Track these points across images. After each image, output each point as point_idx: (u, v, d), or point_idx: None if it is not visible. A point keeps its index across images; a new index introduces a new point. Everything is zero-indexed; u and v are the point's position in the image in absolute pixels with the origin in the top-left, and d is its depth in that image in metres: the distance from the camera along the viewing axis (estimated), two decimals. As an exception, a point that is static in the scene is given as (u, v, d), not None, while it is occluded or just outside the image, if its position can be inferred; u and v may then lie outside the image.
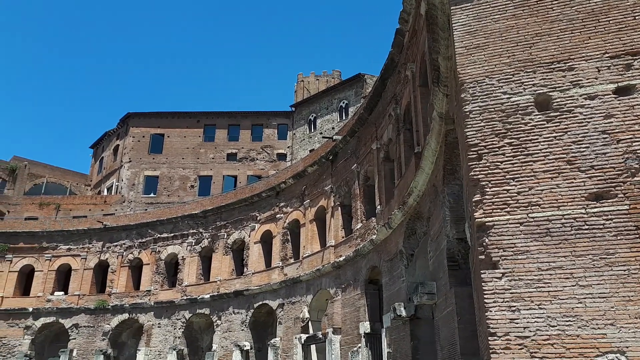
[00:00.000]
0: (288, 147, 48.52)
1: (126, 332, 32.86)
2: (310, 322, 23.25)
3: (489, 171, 7.33)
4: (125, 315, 32.28)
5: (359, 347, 18.54)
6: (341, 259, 21.15)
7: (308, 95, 50.03)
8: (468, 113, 7.77)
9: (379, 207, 18.83)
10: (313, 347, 22.64)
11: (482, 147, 7.49)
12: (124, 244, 34.38)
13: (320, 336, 21.67)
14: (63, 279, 35.03)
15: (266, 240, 28.31)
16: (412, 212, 15.12)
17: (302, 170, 26.34)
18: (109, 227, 35.00)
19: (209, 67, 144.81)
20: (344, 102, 44.46)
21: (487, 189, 7.25)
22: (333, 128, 42.47)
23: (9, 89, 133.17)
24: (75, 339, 32.51)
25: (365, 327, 18.58)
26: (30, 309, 33.47)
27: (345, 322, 20.21)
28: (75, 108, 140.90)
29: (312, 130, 47.02)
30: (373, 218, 19.33)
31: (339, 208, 22.95)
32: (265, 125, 49.70)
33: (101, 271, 34.94)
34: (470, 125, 7.67)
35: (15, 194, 48.14)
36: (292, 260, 26.05)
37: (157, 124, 49.25)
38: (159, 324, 31.09)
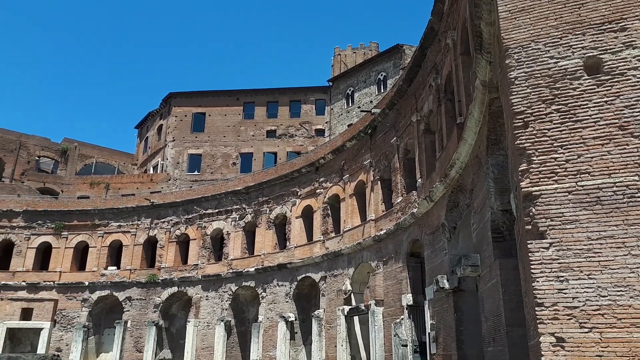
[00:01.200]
0: (326, 123, 48.45)
1: (176, 304, 34.32)
2: (352, 294, 23.56)
3: (536, 139, 7.12)
4: (175, 289, 33.67)
5: (402, 319, 18.69)
6: (382, 232, 21.19)
7: (345, 69, 49.50)
8: (513, 80, 7.52)
9: (419, 180, 18.65)
10: (356, 318, 22.98)
11: (529, 115, 7.27)
12: (171, 220, 35.62)
13: (363, 308, 21.96)
14: (115, 254, 36.76)
15: (307, 215, 28.65)
16: (455, 184, 14.91)
17: (340, 145, 26.31)
18: (156, 205, 36.28)
19: (247, 45, 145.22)
20: (382, 75, 43.79)
21: (534, 158, 7.06)
22: (371, 101, 42.02)
23: (59, 74, 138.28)
24: (128, 311, 34.26)
25: (407, 299, 18.68)
26: (86, 283, 35.43)
27: (388, 295, 20.37)
28: (120, 90, 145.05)
29: (350, 105, 46.68)
30: (414, 191, 19.19)
31: (379, 182, 22.88)
32: (303, 101, 49.72)
33: (150, 247, 36.42)
34: (515, 93, 7.44)
35: (68, 174, 50.48)
36: (332, 234, 26.31)
37: (198, 103, 50.17)
38: (206, 296, 32.28)
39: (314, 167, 28.39)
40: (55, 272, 35.98)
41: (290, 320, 27.07)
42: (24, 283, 35.53)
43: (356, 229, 23.93)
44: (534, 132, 7.17)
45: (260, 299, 29.46)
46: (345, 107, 47.17)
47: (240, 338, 30.89)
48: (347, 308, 23.14)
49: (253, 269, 30.13)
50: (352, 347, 22.72)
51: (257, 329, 28.57)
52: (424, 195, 17.44)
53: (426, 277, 17.60)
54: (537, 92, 7.35)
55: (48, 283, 35.58)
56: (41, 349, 32.81)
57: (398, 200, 20.50)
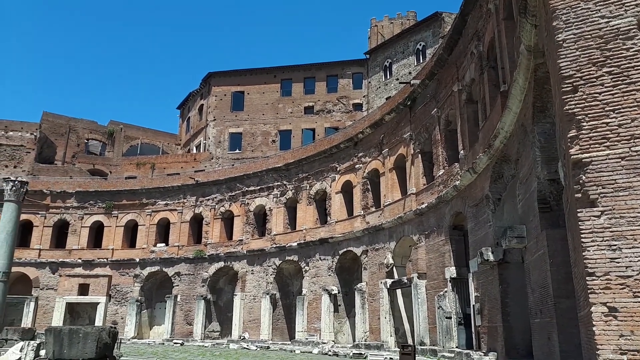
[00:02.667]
0: (364, 97, 47.94)
1: (222, 278, 35.45)
2: (394, 267, 23.63)
3: (586, 104, 6.84)
4: (221, 264, 34.74)
5: (445, 292, 18.65)
6: (423, 206, 21.02)
7: (382, 40, 48.50)
8: (561, 42, 7.21)
9: (462, 151, 18.29)
10: (399, 291, 23.08)
11: (578, 79, 6.97)
12: (215, 197, 36.56)
13: (406, 281, 22.02)
14: (163, 232, 38.16)
15: (347, 190, 28.72)
16: (499, 154, 14.55)
17: (379, 119, 26.05)
18: (200, 183, 37.25)
19: (284, 21, 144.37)
20: (420, 45, 42.73)
21: (584, 123, 6.80)
22: (410, 73, 41.17)
23: (103, 59, 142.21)
24: (178, 285, 35.68)
25: (451, 272, 18.58)
26: (137, 259, 37.05)
27: (430, 268, 20.32)
28: (162, 71, 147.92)
29: (388, 77, 45.91)
30: (456, 163, 18.86)
31: (419, 155, 22.58)
32: (339, 75, 49.27)
33: (196, 224, 37.57)
34: (563, 56, 7.13)
35: (115, 156, 52.38)
36: (373, 209, 26.31)
37: (237, 82, 50.62)
38: (252, 270, 33.17)
39: (352, 142, 28.30)
40: (108, 249, 37.80)
41: (333, 293, 27.50)
42: (79, 260, 37.52)
43: (397, 203, 23.83)
44: (584, 96, 6.88)
45: (304, 272, 29.99)
46: (383, 79, 46.45)
47: (285, 310, 31.69)
48: (389, 281, 23.26)
49: (295, 244, 30.62)
50: (395, 319, 22.90)
51: (302, 301, 29.19)
52: (466, 167, 17.12)
53: (470, 250, 17.42)
54: (586, 55, 7.02)
55: (102, 260, 37.45)
56: (98, 322, 34.77)
57: (440, 173, 20.22)
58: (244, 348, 27.59)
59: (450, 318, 18.22)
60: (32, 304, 36.16)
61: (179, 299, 35.27)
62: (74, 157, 50.18)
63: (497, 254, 14.12)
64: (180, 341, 31.98)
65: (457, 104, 18.88)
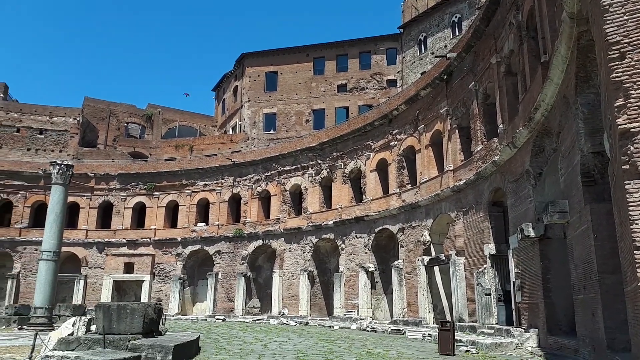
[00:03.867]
0: (398, 72, 47.16)
1: (261, 256, 36.19)
2: (431, 244, 23.52)
3: (634, 71, 6.52)
4: (260, 242, 35.43)
5: (485, 268, 18.46)
6: (461, 182, 20.71)
7: (416, 14, 47.33)
8: (607, 7, 6.87)
9: (501, 126, 17.84)
10: (436, 268, 23.00)
11: (625, 45, 6.65)
12: (252, 177, 37.12)
13: (443, 258, 21.90)
14: (203, 211, 39.15)
15: (382, 168, 28.57)
16: (540, 128, 14.12)
17: (414, 95, 25.62)
18: (237, 164, 37.86)
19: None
20: (456, 17, 41.50)
21: (632, 92, 6.50)
22: (445, 46, 40.16)
23: (140, 43, 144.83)
24: (219, 263, 36.68)
25: (490, 248, 18.35)
26: (179, 239, 38.21)
27: (469, 244, 20.11)
28: (196, 54, 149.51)
29: (423, 51, 44.92)
30: (495, 138, 18.43)
31: (456, 131, 22.16)
32: (373, 51, 48.55)
33: (234, 203, 38.34)
34: (610, 21, 6.80)
35: (154, 139, 53.71)
36: (409, 187, 26.11)
37: (270, 62, 50.66)
38: (289, 248, 33.70)
39: (387, 119, 28.00)
40: (151, 229, 39.11)
41: (370, 270, 27.66)
42: (124, 240, 39.02)
43: (433, 180, 23.56)
44: (632, 63, 6.56)
45: (340, 250, 30.24)
46: (418, 54, 45.49)
47: (323, 287, 32.16)
48: (426, 258, 23.19)
49: (331, 222, 30.83)
50: (433, 296, 22.89)
51: (339, 278, 29.52)
52: (506, 141, 16.71)
53: (509, 226, 17.12)
54: (635, 19, 6.67)
55: (145, 240, 38.82)
56: (144, 299, 36.25)
57: (478, 149, 19.81)
58: (284, 324, 28.25)
59: (489, 295, 18.08)
60: (82, 282, 37.98)
61: (220, 276, 36.30)
62: (115, 140, 51.76)
63: (538, 229, 13.83)
64: (222, 317, 33.02)
65: (496, 76, 18.36)
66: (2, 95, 48.74)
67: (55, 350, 10.54)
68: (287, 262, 33.65)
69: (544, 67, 13.03)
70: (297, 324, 27.76)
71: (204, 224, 38.43)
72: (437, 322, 20.69)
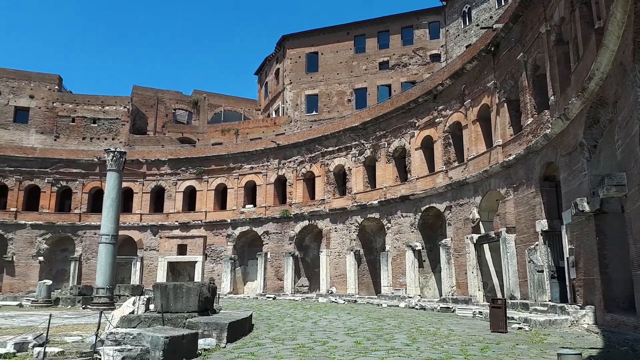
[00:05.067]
0: (441, 47, 45.94)
1: (308, 236, 36.73)
2: (480, 222, 23.12)
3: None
4: (306, 222, 35.93)
5: (536, 245, 18.02)
6: (511, 157, 20.14)
7: (460, -15, 45.69)
8: (668, -33, 6.46)
9: (552, 97, 17.15)
10: (486, 246, 22.64)
11: (689, 7, 6.25)
12: (296, 159, 37.52)
13: (493, 235, 21.51)
14: (250, 193, 40.04)
15: (427, 146, 28.14)
16: (594, 98, 13.49)
17: (459, 69, 24.94)
18: (281, 146, 38.32)
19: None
20: (502, -14, 39.79)
21: (696, 57, 6.13)
22: (491, 17, 38.74)
23: (183, 30, 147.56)
24: (267, 243, 37.53)
25: (542, 224, 17.86)
26: (229, 220, 39.31)
27: (520, 221, 19.63)
28: (238, 38, 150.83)
29: (467, 24, 43.49)
30: (546, 111, 17.75)
31: (505, 104, 21.47)
32: (415, 26, 47.44)
33: (280, 185, 38.96)
34: (671, -18, 6.40)
35: (201, 124, 55.02)
36: (456, 164, 25.63)
37: (310, 43, 50.49)
38: (335, 228, 34.00)
39: (431, 95, 27.45)
40: (201, 212, 40.41)
41: (417, 249, 27.54)
42: (176, 223, 40.51)
43: (481, 156, 23.02)
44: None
45: (386, 229, 30.22)
46: (462, 26, 44.09)
47: (370, 266, 32.35)
48: (476, 236, 22.84)
49: (376, 202, 30.79)
50: (483, 273, 22.60)
51: (386, 257, 29.58)
52: (558, 113, 16.08)
53: (562, 201, 16.57)
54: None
55: (196, 222, 40.17)
56: (197, 279, 37.69)
57: (528, 122, 19.17)
58: (332, 302, 28.71)
59: (542, 272, 17.67)
60: (138, 264, 39.86)
61: (269, 256, 37.17)
62: (164, 126, 53.40)
63: (594, 204, 13.35)
64: (272, 295, 33.91)
65: (546, 46, 17.59)
66: (57, 87, 51.09)
67: (118, 327, 11.21)
68: (333, 241, 33.99)
69: (598, 34, 12.39)
70: (346, 302, 28.15)
71: (251, 205, 39.33)
72: (487, 300, 20.47)
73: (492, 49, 22.14)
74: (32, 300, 27.94)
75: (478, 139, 23.74)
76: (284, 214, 37.02)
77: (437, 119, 26.93)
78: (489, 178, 22.19)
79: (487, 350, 9.99)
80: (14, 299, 31.36)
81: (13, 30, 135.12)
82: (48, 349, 8.69)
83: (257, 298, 34.16)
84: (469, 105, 24.25)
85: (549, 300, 17.18)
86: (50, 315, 9.88)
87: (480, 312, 17.96)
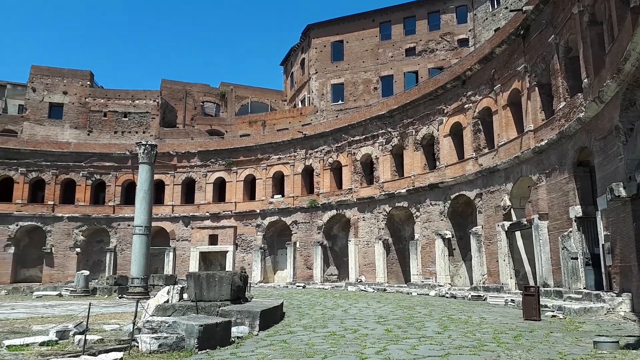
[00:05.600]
0: (469, 31, 45.00)
1: (336, 225, 36.85)
2: (512, 209, 22.73)
3: None
4: (334, 212, 36.03)
5: (570, 232, 17.63)
6: (543, 143, 19.68)
7: (488, -34, 44.53)
8: None
9: (585, 80, 16.63)
10: (517, 233, 22.27)
11: None
12: (323, 149, 37.57)
13: (525, 222, 21.13)
14: (278, 184, 40.37)
15: (456, 133, 27.73)
16: (630, 79, 13.04)
17: (488, 53, 24.41)
18: (308, 136, 38.41)
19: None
20: (532, -34, 38.57)
21: None
22: (521, -1, 37.59)
23: (208, 22, 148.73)
24: (296, 233, 37.84)
25: (576, 211, 17.45)
26: (258, 210, 39.77)
27: (552, 208, 19.22)
28: (263, 29, 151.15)
29: (496, 6, 42.46)
30: (579, 94, 17.25)
31: (536, 88, 20.94)
32: (442, 10, 46.58)
33: (307, 175, 39.13)
34: None
35: (228, 116, 55.59)
36: (486, 150, 25.21)
37: (335, 31, 50.19)
38: (363, 217, 33.99)
39: (459, 80, 26.99)
40: (231, 202, 41.00)
41: (447, 237, 27.30)
42: (207, 214, 41.21)
43: (512, 142, 22.57)
44: None
45: (415, 218, 30.03)
46: (490, 9, 43.05)
47: (398, 255, 32.26)
48: (507, 224, 22.49)
49: (404, 190, 30.60)
50: (514, 261, 22.27)
51: (415, 246, 29.44)
52: (592, 96, 15.61)
53: (597, 187, 16.13)
54: None
55: (226, 212, 40.79)
56: (228, 268, 38.31)
57: (560, 106, 18.67)
58: (362, 290, 28.81)
59: (576, 259, 17.30)
60: (171, 254, 40.79)
61: (297, 245, 37.49)
62: (193, 119, 54.17)
63: (630, 188, 12.96)
64: (302, 284, 34.25)
65: (578, 27, 17.04)
66: (89, 83, 52.34)
67: (154, 316, 11.55)
68: (361, 230, 34.00)
69: (634, 13, 11.93)
70: (375, 291, 28.20)
71: (280, 196, 39.66)
72: (519, 288, 20.20)
73: (522, 32, 21.59)
74: (71, 290, 28.99)
75: (508, 125, 23.28)
76: (311, 204, 37.20)
77: (466, 105, 26.48)
78: (520, 164, 21.76)
79: (521, 338, 9.89)
80: (53, 289, 32.60)
81: (46, 29, 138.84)
82: (88, 337, 9.03)
83: (287, 287, 34.55)
84: (498, 90, 23.76)
85: (584, 288, 16.83)
86: (90, 304, 10.26)
87: (512, 300, 17.75)
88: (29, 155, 41.53)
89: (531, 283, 20.63)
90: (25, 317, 15.29)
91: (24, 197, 41.00)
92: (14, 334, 10.52)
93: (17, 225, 40.18)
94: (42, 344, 8.92)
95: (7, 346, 8.47)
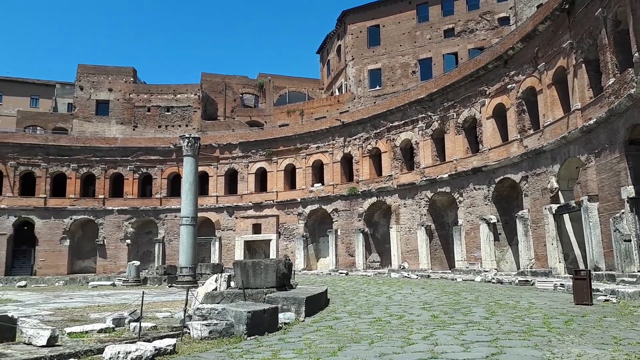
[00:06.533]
0: (510, 9, 43.43)
1: (377, 212, 36.75)
2: (559, 191, 22.00)
3: None
4: (374, 199, 35.93)
5: (622, 213, 16.93)
6: (591, 122, 18.90)
7: (529, -61, 42.67)
8: None
9: (636, 54, 15.82)
10: (566, 216, 21.56)
11: None
12: (361, 136, 37.39)
13: (574, 205, 20.42)
14: (318, 172, 40.58)
15: (499, 114, 26.99)
16: (687, 51, 12.32)
17: (531, 31, 23.54)
18: (346, 124, 38.30)
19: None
20: None
21: None
22: (566, -29, 35.86)
23: (243, 15, 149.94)
24: (337, 221, 38.01)
25: (628, 191, 16.72)
26: (299, 199, 40.16)
27: (603, 189, 18.49)
28: (298, 18, 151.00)
29: (539, -19, 40.65)
30: (629, 69, 16.44)
31: (583, 65, 20.07)
32: (482, -12, 45.06)
33: (347, 163, 39.11)
34: None
35: (267, 106, 56.10)
36: (531, 131, 24.44)
37: (371, 16, 49.53)
38: (404, 204, 33.72)
39: (501, 60, 26.19)
40: (273, 192, 41.59)
41: (491, 222, 26.75)
42: (250, 203, 41.97)
43: (559, 122, 21.78)
44: None
45: (458, 203, 29.54)
46: (533, -15, 41.27)
47: (442, 241, 31.88)
48: (554, 206, 21.80)
49: (446, 175, 30.12)
50: (563, 245, 21.60)
51: (458, 232, 29.01)
52: (644, 71, 14.85)
53: (652, 166, 15.40)
54: None
55: (268, 202, 41.42)
56: (272, 256, 39.00)
57: (609, 82, 17.84)
58: (405, 277, 28.70)
59: (629, 241, 16.61)
60: (217, 243, 41.85)
61: (339, 233, 37.67)
62: (233, 111, 55.00)
63: (689, 167, 12.30)
64: (344, 271, 34.45)
65: (629, -2, 16.18)
66: (132, 79, 53.93)
67: (203, 303, 11.95)
68: (402, 217, 33.77)
69: (691, -20, 11.23)
70: (418, 277, 28.04)
71: (320, 184, 39.87)
72: (569, 272, 19.61)
73: (567, 6, 20.68)
74: (124, 280, 30.27)
75: (554, 104, 22.45)
76: (351, 192, 37.20)
77: (509, 85, 25.70)
78: (567, 145, 21.00)
79: (572, 323, 9.66)
80: (107, 279, 34.16)
81: (91, 29, 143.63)
82: (142, 324, 9.44)
83: (329, 274, 34.83)
84: (543, 68, 22.92)
85: (638, 271, 16.17)
86: (143, 293, 10.70)
87: (562, 285, 17.28)
88: (79, 152, 43.39)
89: (581, 267, 19.99)
90: (83, 306, 16.13)
91: (76, 192, 42.92)
92: (74, 322, 11.13)
93: (71, 218, 42.18)
94: (100, 331, 9.39)
95: (68, 333, 8.97)
